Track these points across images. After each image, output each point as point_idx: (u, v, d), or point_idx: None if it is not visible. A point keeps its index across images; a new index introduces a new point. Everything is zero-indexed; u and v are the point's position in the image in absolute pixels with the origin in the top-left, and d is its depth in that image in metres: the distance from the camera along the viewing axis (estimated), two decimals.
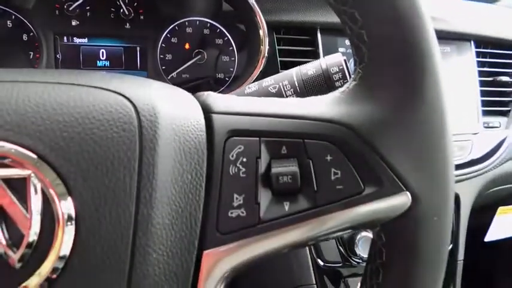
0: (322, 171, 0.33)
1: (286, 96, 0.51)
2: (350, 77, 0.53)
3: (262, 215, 0.32)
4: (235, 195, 0.32)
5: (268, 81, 0.53)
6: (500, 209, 1.11)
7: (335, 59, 0.52)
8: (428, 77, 0.32)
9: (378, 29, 0.33)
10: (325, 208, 0.32)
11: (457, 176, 0.95)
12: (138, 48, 0.82)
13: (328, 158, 0.33)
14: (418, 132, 0.33)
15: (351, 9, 0.33)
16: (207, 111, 0.34)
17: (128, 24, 0.81)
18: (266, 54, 0.75)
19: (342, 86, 0.40)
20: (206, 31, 0.84)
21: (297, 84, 0.51)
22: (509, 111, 1.00)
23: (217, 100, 0.35)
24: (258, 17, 0.75)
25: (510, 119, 0.99)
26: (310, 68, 0.52)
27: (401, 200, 0.33)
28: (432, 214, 0.34)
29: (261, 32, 0.75)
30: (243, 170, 0.32)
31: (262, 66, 0.75)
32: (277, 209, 0.32)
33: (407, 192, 0.33)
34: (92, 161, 0.28)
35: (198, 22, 0.84)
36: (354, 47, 0.35)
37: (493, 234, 1.15)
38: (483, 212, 1.16)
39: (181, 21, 0.83)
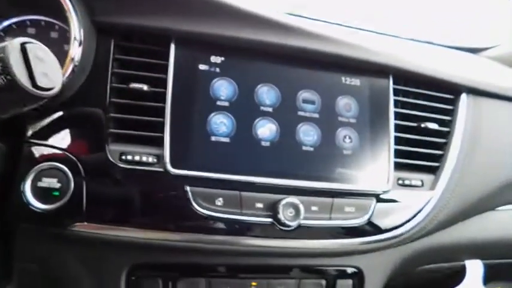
0: None
1: None
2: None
3: None
4: None
5: None
6: None
7: None
8: None
9: None
10: None
11: (352, 244, 0.70)
12: None
13: None
14: None
15: None
16: None
17: None
18: (76, 58, 0.57)
19: None
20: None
21: None
22: (438, 167, 0.76)
23: None
24: (69, 14, 0.58)
25: (438, 178, 0.75)
26: None
27: None
28: None
29: (72, 30, 0.58)
30: None
31: (68, 73, 0.57)
32: None
33: None
34: None
35: None
36: None
37: None
38: None
39: None
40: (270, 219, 0.62)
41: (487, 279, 0.88)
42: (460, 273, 0.85)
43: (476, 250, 0.85)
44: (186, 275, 0.65)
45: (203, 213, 0.59)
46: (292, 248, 0.64)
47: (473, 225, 0.83)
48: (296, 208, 0.61)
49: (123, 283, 0.62)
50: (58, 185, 0.57)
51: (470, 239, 0.83)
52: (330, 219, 0.65)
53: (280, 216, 0.60)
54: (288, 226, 0.61)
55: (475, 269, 0.85)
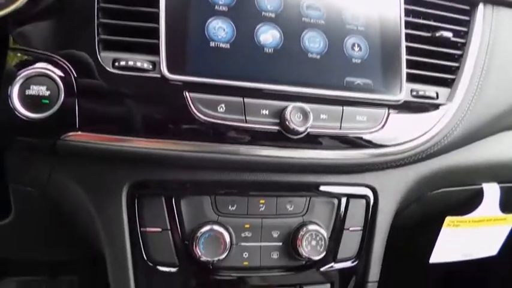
0: None
1: None
2: None
3: None
4: None
5: None
6: (448, 219, 0.80)
7: None
8: None
9: None
10: None
11: (364, 156, 0.63)
12: None
13: None
14: None
15: None
16: None
17: None
18: None
19: None
20: None
21: None
22: (453, 80, 0.70)
23: None
24: None
25: (454, 91, 0.70)
26: None
27: None
28: None
29: None
30: None
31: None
32: None
33: None
34: None
35: None
36: None
37: (439, 254, 0.84)
38: (428, 224, 0.85)
39: None
40: (276, 127, 0.57)
41: (504, 206, 0.83)
42: (476, 198, 0.81)
43: (494, 172, 0.80)
44: (190, 193, 0.61)
45: (204, 120, 0.55)
46: (301, 159, 0.59)
47: (491, 145, 0.78)
48: (304, 113, 0.56)
49: (123, 202, 0.58)
50: (47, 93, 0.52)
51: (488, 160, 0.78)
52: (341, 128, 0.60)
53: (288, 121, 0.56)
54: (296, 132, 0.57)
55: (492, 192, 0.81)
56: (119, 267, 0.59)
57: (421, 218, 0.85)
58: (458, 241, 0.83)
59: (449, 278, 1.23)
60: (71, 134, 0.53)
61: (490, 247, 0.89)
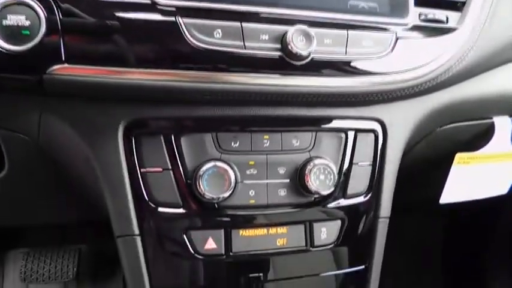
0: None
1: None
2: None
3: None
4: None
5: None
6: (459, 156, 0.77)
7: None
8: None
9: None
10: None
11: (371, 84, 0.58)
12: None
13: None
14: None
15: None
16: None
17: None
18: None
19: None
20: None
21: None
22: (464, 3, 0.65)
23: None
24: None
25: (465, 14, 0.65)
26: None
27: None
28: None
29: None
30: None
31: None
32: None
33: None
34: None
35: None
36: None
37: (450, 194, 0.81)
38: (438, 162, 0.81)
39: None
40: (278, 53, 0.53)
41: None
42: (487, 132, 0.78)
43: (505, 105, 0.76)
44: (189, 130, 0.57)
45: (200, 46, 0.50)
46: (305, 87, 0.55)
47: (503, 76, 0.74)
48: (307, 36, 0.52)
49: (120, 142, 0.55)
50: (27, 23, 0.47)
51: (499, 92, 0.74)
52: (346, 53, 0.56)
53: (290, 45, 0.51)
54: (299, 57, 0.52)
55: (503, 126, 0.77)
56: (121, 211, 0.56)
57: (430, 157, 0.82)
58: (469, 180, 0.81)
59: (460, 218, 1.23)
60: (57, 67, 0.49)
61: (500, 186, 0.87)
